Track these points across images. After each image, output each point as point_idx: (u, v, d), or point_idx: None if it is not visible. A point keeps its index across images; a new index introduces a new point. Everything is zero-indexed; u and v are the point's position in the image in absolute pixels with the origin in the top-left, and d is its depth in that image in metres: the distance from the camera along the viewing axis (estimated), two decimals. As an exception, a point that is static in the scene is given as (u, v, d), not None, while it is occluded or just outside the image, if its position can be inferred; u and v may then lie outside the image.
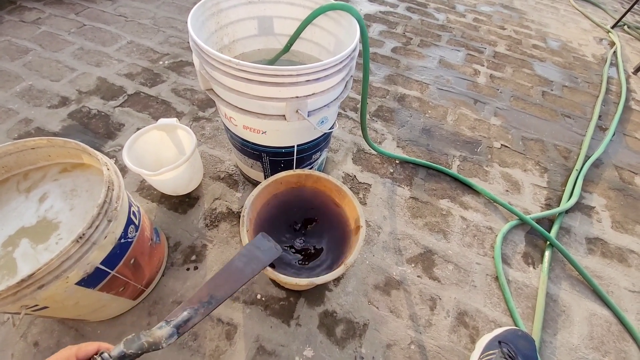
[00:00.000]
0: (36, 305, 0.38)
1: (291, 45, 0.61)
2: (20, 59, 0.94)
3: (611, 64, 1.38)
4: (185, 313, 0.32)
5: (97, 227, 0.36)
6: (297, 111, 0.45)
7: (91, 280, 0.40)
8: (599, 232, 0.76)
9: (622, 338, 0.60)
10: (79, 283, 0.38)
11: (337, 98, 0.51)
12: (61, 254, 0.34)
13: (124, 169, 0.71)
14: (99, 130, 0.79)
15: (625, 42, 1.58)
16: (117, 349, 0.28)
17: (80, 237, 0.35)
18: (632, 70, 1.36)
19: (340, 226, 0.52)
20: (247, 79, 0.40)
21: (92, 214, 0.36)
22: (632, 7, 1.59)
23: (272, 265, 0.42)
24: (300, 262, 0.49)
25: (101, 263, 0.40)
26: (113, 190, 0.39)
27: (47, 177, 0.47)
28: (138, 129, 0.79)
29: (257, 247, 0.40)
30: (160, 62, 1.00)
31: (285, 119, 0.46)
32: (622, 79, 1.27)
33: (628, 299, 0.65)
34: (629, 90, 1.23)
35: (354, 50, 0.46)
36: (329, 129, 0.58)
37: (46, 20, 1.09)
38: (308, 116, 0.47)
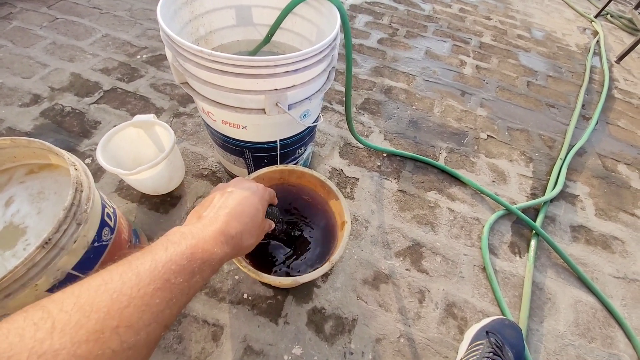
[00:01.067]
0: (6, 314, 0.35)
1: (271, 35, 0.59)
2: (-12, 55, 0.89)
3: (594, 53, 1.40)
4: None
5: (65, 232, 0.34)
6: (276, 104, 0.43)
7: (64, 287, 0.37)
8: (583, 220, 0.77)
9: (607, 324, 0.61)
10: (50, 290, 0.36)
11: (319, 90, 0.50)
12: (26, 260, 0.32)
13: (100, 169, 0.68)
14: (73, 129, 0.75)
15: (608, 31, 1.60)
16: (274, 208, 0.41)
17: (47, 243, 0.33)
18: (615, 59, 1.38)
19: (326, 222, 0.51)
20: (222, 70, 0.38)
21: (59, 218, 0.34)
22: (614, -4, 1.61)
23: (255, 263, 0.41)
24: (285, 259, 0.48)
25: (73, 269, 0.37)
26: (82, 191, 0.37)
27: (13, 180, 0.44)
28: (115, 126, 0.76)
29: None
30: (138, 56, 0.95)
31: (265, 112, 0.45)
32: (605, 68, 1.29)
33: (612, 285, 0.67)
34: (611, 79, 1.25)
35: (334, 39, 0.45)
36: (313, 123, 0.57)
37: (17, 15, 1.03)
38: (289, 109, 0.45)
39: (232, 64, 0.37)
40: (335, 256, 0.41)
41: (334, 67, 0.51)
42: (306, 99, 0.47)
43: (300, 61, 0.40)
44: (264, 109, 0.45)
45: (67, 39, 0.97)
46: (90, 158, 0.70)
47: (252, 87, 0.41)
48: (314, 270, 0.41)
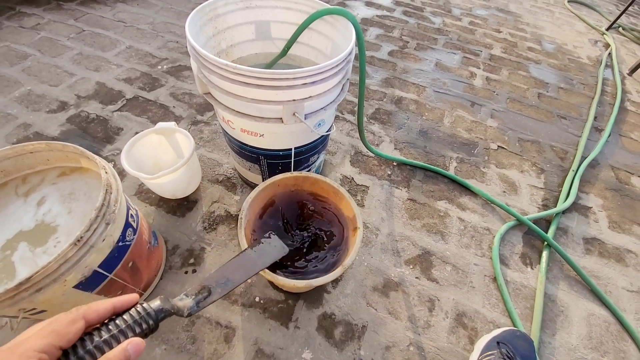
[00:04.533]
0: (34, 308, 0.38)
1: (288, 49, 0.62)
2: (19, 64, 0.95)
3: (606, 65, 1.40)
4: (204, 291, 0.33)
5: (95, 230, 0.37)
6: (294, 114, 0.46)
7: (89, 283, 0.40)
8: (596, 232, 0.76)
9: (620, 338, 0.60)
10: (76, 286, 0.38)
11: (334, 101, 0.52)
12: (59, 256, 0.34)
13: (122, 173, 0.72)
14: (97, 135, 0.79)
15: (620, 43, 1.59)
16: (156, 303, 0.28)
17: (79, 240, 0.35)
18: (627, 72, 1.37)
19: (338, 228, 0.52)
20: (244, 82, 0.41)
21: (90, 217, 0.36)
22: (626, 9, 1.61)
23: (270, 268, 0.42)
24: (298, 264, 0.49)
25: (99, 266, 0.40)
26: (111, 193, 0.39)
27: (46, 181, 0.47)
28: (136, 133, 0.80)
29: (269, 243, 0.44)
30: (159, 67, 1.00)
31: (282, 121, 0.47)
32: (618, 80, 1.28)
33: (626, 299, 0.66)
34: (624, 92, 1.25)
35: (350, 53, 0.47)
36: (326, 132, 0.59)
37: (45, 26, 1.10)
38: (305, 119, 0.47)
39: (255, 76, 0.40)
40: (347, 261, 0.42)
41: (348, 79, 0.53)
42: (321, 109, 0.50)
43: (317, 74, 0.42)
44: (281, 118, 0.47)
45: (93, 50, 1.03)
46: (113, 162, 0.74)
47: (271, 98, 0.43)
48: (327, 274, 0.42)
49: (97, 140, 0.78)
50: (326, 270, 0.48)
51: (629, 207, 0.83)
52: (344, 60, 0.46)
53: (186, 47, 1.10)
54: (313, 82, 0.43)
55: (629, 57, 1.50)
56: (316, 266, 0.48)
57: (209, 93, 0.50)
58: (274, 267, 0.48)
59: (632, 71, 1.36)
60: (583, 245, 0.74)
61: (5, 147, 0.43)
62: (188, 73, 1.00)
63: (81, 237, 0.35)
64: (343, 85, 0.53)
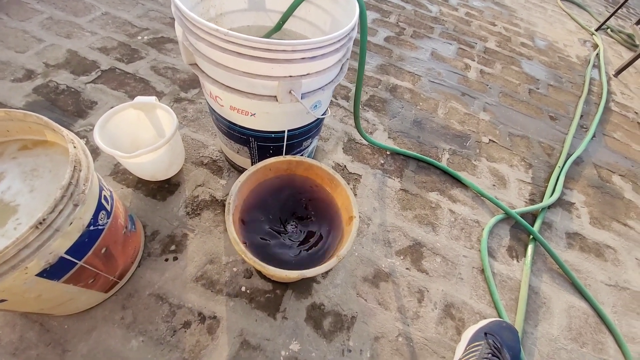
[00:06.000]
0: (-9, 297, 0.33)
1: (283, 23, 0.58)
2: (-23, 24, 0.84)
3: (594, 65, 1.43)
4: None
5: (60, 212, 0.32)
6: (290, 92, 0.42)
7: (55, 271, 0.35)
8: (578, 228, 0.79)
9: (598, 330, 0.62)
10: (40, 274, 0.34)
11: (332, 81, 0.48)
12: (17, 241, 0.30)
13: (95, 151, 0.65)
14: (67, 108, 0.72)
15: (608, 45, 1.63)
16: None
17: (41, 223, 0.31)
18: (613, 73, 1.41)
19: (332, 216, 0.50)
20: (237, 52, 0.37)
21: (55, 197, 0.32)
22: (615, 11, 1.64)
23: (260, 257, 0.40)
24: (290, 252, 0.47)
25: (66, 252, 0.35)
26: (80, 170, 0.35)
27: (5, 155, 0.42)
28: (113, 107, 0.73)
29: None
30: (139, 37, 0.92)
31: (277, 100, 0.43)
32: (604, 81, 1.31)
33: (604, 292, 0.68)
34: (609, 92, 1.28)
35: (352, 28, 0.43)
36: (322, 115, 0.55)
37: (9, -16, 0.98)
38: (302, 99, 0.44)
39: (249, 45, 0.36)
40: (342, 251, 0.40)
41: (347, 59, 0.50)
42: (319, 89, 0.46)
43: (318, 48, 0.39)
44: (275, 96, 0.43)
45: (65, 14, 0.93)
46: (85, 139, 0.67)
47: (266, 72, 0.39)
48: (320, 264, 0.40)
49: (68, 114, 0.71)
50: (319, 261, 0.46)
51: (609, 204, 0.86)
52: (346, 36, 0.42)
53: (169, 17, 1.02)
54: (313, 57, 0.39)
55: (615, 58, 1.54)
56: (308, 256, 0.46)
57: (195, 64, 0.45)
58: (264, 257, 0.45)
59: (618, 73, 1.40)
60: (565, 240, 0.75)
61: (-47, 113, 0.37)
62: (171, 46, 0.92)
63: (44, 220, 0.31)
64: (342, 65, 0.50)
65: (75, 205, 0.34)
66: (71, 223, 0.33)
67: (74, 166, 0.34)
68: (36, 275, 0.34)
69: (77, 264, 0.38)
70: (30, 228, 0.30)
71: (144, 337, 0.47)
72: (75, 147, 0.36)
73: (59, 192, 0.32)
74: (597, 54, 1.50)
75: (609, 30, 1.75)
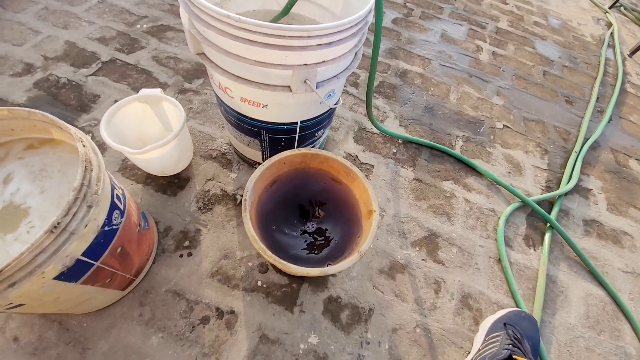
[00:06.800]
0: (10, 303, 0.32)
1: (291, 6, 0.54)
2: (-30, 16, 0.81)
3: (608, 45, 1.37)
4: None
5: (74, 215, 0.31)
6: (305, 81, 0.40)
7: (72, 273, 0.35)
8: (596, 214, 0.77)
9: (616, 317, 0.62)
10: (57, 277, 0.33)
11: (347, 68, 0.46)
12: (33, 246, 0.29)
13: (102, 146, 0.64)
14: (70, 102, 0.70)
15: (622, 23, 1.56)
16: None
17: (55, 227, 0.30)
18: (628, 53, 1.35)
19: (349, 210, 0.48)
20: (249, 39, 0.34)
21: (68, 200, 0.30)
22: (632, -15, 1.56)
23: (279, 254, 0.39)
24: (307, 248, 0.46)
25: (82, 254, 0.34)
26: (92, 170, 0.33)
27: (11, 155, 0.40)
28: (116, 101, 0.71)
29: None
30: (138, 26, 0.88)
31: (290, 90, 0.41)
32: (619, 61, 1.26)
33: (621, 280, 0.67)
34: (624, 73, 1.23)
35: (369, 12, 0.40)
36: (335, 104, 0.53)
37: (0, -28, 0.93)
38: (316, 88, 0.42)
39: (262, 32, 0.33)
40: (364, 247, 0.39)
41: (362, 45, 0.47)
42: (334, 77, 0.44)
43: (334, 33, 0.36)
44: (289, 86, 0.41)
45: (60, 4, 0.89)
46: (91, 134, 0.65)
47: (280, 61, 0.37)
48: (339, 260, 0.39)
49: (71, 109, 0.69)
50: (337, 256, 0.45)
51: (626, 190, 0.84)
52: (363, 19, 0.39)
53: (168, 4, 0.98)
54: (329, 44, 0.37)
55: (630, 38, 1.47)
56: (327, 251, 0.45)
57: (203, 53, 0.43)
58: (280, 253, 0.44)
59: (633, 53, 1.34)
60: (583, 227, 0.74)
61: (-45, 113, 0.35)
62: (172, 34, 0.89)
63: (58, 223, 0.30)
64: (357, 51, 0.47)
65: (89, 207, 0.33)
66: (86, 225, 0.32)
67: (85, 166, 0.33)
68: (53, 278, 0.33)
69: (93, 265, 0.37)
70: (45, 233, 0.29)
71: (164, 333, 0.47)
72: (84, 145, 0.34)
73: (72, 194, 0.30)
74: (612, 32, 1.43)
75: (622, 8, 1.67)
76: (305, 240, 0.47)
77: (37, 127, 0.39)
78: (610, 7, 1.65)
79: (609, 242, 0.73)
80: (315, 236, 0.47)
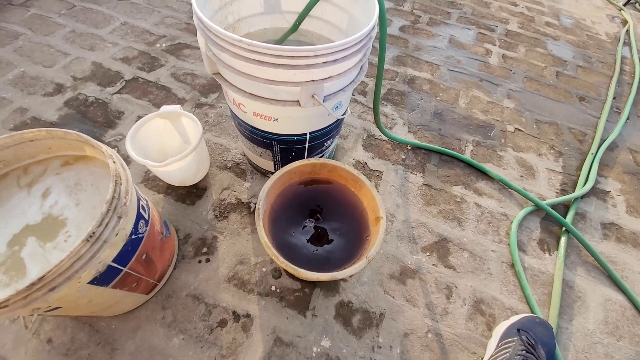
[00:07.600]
0: (48, 306, 0.36)
1: (299, 23, 0.57)
2: (11, 44, 0.89)
3: (624, 43, 1.33)
4: None
5: (107, 225, 0.34)
6: (312, 96, 0.42)
7: (104, 278, 0.38)
8: (614, 217, 0.75)
9: (636, 322, 0.60)
10: (91, 282, 0.37)
11: (353, 81, 0.48)
12: (72, 254, 0.32)
13: (127, 160, 0.69)
14: (97, 119, 0.75)
15: (637, 20, 1.51)
16: None
17: (91, 236, 0.33)
18: (647, 49, 1.31)
19: (358, 217, 0.50)
20: (260, 61, 0.37)
21: (102, 211, 0.34)
22: (649, -20, 1.52)
23: (290, 260, 0.41)
24: (317, 254, 0.48)
25: (113, 261, 0.38)
26: (121, 184, 0.37)
27: (49, 171, 0.45)
28: (139, 117, 0.76)
29: None
30: (157, 45, 0.94)
31: (299, 104, 0.44)
32: (636, 59, 1.22)
33: (643, 284, 0.65)
34: (644, 70, 1.19)
35: (373, 28, 0.43)
36: (342, 115, 0.55)
37: (35, 2, 1.02)
38: (324, 101, 0.44)
39: (272, 54, 0.36)
40: (371, 252, 0.40)
41: (367, 59, 0.49)
42: (340, 90, 0.46)
43: (339, 51, 0.38)
44: (298, 101, 0.43)
45: (86, 27, 0.96)
46: (117, 148, 0.70)
47: (289, 79, 0.40)
48: (348, 265, 0.40)
49: (98, 125, 0.74)
50: (346, 261, 0.47)
51: (647, 191, 0.81)
52: (366, 36, 0.42)
53: (184, 23, 1.04)
54: (334, 61, 0.39)
55: (650, 32, 1.42)
56: (336, 257, 0.47)
57: (219, 73, 0.46)
58: (292, 258, 0.46)
59: (653, 47, 1.30)
60: (601, 231, 0.72)
61: (4, 135, 0.40)
62: (189, 52, 0.94)
63: (94, 233, 0.33)
64: (362, 65, 0.49)
65: (119, 218, 0.36)
66: (117, 234, 0.36)
67: (115, 181, 0.36)
68: (88, 283, 0.36)
69: (122, 270, 0.40)
70: (82, 241, 0.32)
71: (184, 335, 0.50)
72: (114, 162, 0.38)
73: (105, 207, 0.34)
74: (627, 30, 1.39)
75: (637, 5, 1.62)
76: (317, 246, 0.49)
77: (72, 146, 0.44)
78: (625, 4, 1.60)
79: (629, 246, 0.71)
80: (326, 242, 0.49)
